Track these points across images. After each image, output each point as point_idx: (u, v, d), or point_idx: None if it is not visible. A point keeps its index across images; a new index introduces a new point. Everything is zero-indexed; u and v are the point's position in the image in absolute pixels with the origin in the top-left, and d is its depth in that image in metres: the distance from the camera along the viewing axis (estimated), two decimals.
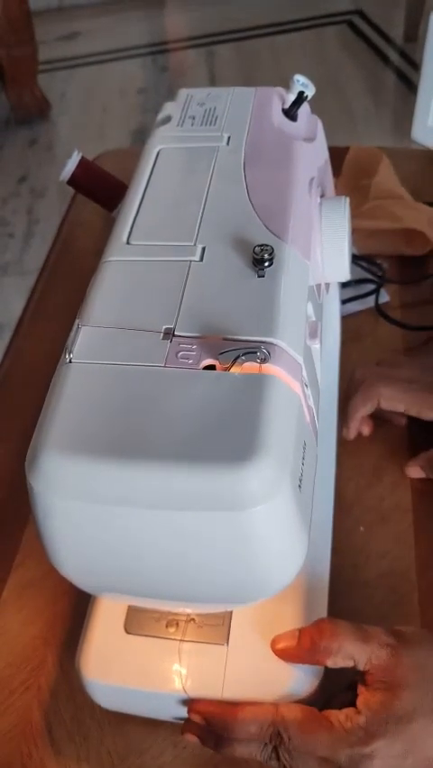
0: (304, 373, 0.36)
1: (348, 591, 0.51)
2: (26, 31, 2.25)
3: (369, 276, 0.73)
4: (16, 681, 0.49)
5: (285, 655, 0.41)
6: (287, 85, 0.52)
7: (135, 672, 0.43)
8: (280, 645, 0.41)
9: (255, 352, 0.33)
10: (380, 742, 0.36)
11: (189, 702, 0.42)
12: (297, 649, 0.40)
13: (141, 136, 2.36)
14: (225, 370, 0.33)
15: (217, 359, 0.34)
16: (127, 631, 0.44)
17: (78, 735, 0.47)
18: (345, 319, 0.69)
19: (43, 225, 2.05)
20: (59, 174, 0.59)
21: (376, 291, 0.72)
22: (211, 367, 0.34)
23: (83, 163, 0.52)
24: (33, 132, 2.44)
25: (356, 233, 0.45)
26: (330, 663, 0.39)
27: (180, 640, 0.43)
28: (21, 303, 0.80)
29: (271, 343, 0.34)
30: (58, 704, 0.48)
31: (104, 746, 0.46)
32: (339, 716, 0.38)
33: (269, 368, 0.33)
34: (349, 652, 0.39)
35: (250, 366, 0.33)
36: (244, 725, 0.39)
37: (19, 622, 0.52)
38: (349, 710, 0.38)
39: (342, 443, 0.58)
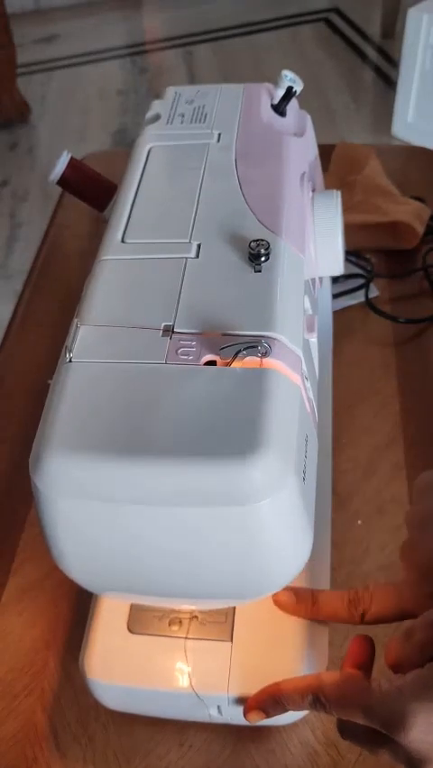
0: (304, 366, 0.36)
1: (349, 584, 0.51)
2: (4, 34, 2.23)
3: (358, 271, 0.74)
4: (19, 685, 0.49)
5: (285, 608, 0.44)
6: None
7: (139, 671, 0.43)
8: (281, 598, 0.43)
9: (256, 347, 0.33)
10: (417, 704, 0.31)
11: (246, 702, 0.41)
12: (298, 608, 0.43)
13: (121, 138, 2.36)
14: (227, 365, 0.33)
15: (218, 354, 0.34)
16: (130, 630, 0.44)
17: (84, 737, 0.46)
18: (336, 314, 0.69)
19: (26, 229, 2.04)
20: (40, 177, 0.58)
21: (366, 286, 0.72)
22: (212, 362, 0.34)
23: (73, 163, 0.52)
24: (14, 136, 2.42)
25: (345, 227, 0.46)
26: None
27: (184, 638, 0.43)
28: (5, 306, 0.80)
29: (271, 338, 0.34)
30: (62, 707, 0.48)
31: (110, 747, 0.46)
32: (381, 679, 0.34)
33: (270, 362, 0.33)
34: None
35: (251, 360, 0.33)
36: (288, 697, 0.38)
37: (20, 626, 0.52)
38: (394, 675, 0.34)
39: (336, 437, 0.58)
